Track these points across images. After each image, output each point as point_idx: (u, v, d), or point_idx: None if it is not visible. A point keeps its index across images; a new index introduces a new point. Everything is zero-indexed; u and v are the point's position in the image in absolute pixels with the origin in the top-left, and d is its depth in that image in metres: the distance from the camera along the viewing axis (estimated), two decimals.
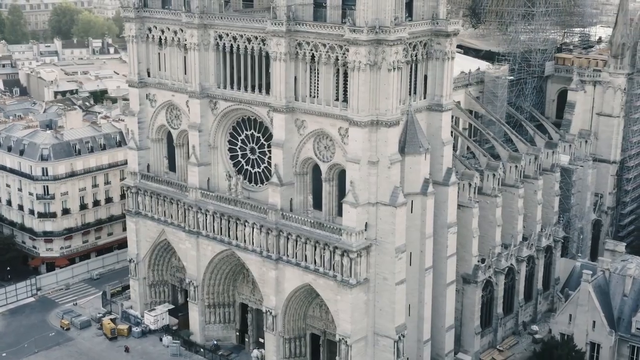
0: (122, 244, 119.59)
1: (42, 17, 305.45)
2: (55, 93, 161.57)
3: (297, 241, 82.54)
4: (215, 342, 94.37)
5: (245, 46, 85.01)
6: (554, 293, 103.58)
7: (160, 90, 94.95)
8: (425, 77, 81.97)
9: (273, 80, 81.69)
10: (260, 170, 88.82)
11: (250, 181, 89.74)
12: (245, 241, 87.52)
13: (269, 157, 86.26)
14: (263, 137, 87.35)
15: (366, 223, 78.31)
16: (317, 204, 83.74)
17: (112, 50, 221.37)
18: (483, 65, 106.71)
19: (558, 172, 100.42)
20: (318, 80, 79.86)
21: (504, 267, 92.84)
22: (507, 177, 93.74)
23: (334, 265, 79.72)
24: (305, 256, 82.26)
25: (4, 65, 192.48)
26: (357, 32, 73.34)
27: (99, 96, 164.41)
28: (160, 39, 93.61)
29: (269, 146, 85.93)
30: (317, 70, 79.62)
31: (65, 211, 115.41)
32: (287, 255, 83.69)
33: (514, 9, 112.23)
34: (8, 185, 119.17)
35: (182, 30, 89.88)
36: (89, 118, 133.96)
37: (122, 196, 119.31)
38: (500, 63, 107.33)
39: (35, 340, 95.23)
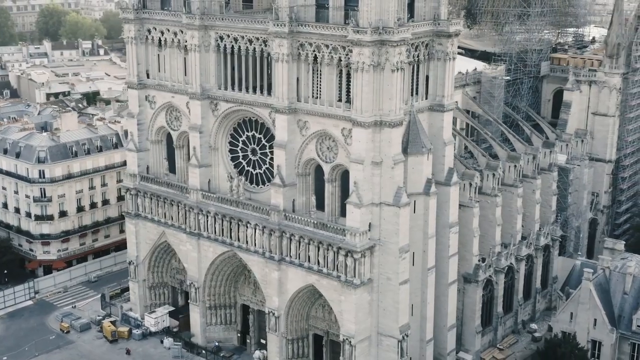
0: (119, 246, 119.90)
1: (29, 18, 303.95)
2: (48, 95, 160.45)
3: (300, 242, 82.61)
4: (216, 344, 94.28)
5: (247, 47, 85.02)
6: (552, 291, 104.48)
7: (160, 91, 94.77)
8: (427, 78, 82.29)
9: (275, 82, 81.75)
10: (261, 172, 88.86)
11: (251, 182, 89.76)
12: (247, 242, 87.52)
13: (271, 158, 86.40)
14: (264, 138, 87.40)
15: (370, 223, 78.51)
16: (320, 205, 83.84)
17: (102, 51, 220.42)
18: (480, 65, 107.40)
19: (556, 172, 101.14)
20: (320, 81, 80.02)
21: (503, 266, 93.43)
22: (506, 176, 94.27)
23: (337, 265, 79.86)
24: (309, 257, 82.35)
25: None
26: (360, 33, 73.53)
27: (92, 98, 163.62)
28: (159, 40, 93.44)
29: (270, 147, 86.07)
30: (320, 71, 79.76)
31: (62, 214, 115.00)
32: (290, 256, 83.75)
33: (510, 9, 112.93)
34: (4, 188, 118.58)
35: (182, 32, 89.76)
36: (83, 120, 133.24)
37: (119, 198, 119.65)
38: (496, 63, 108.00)
39: (36, 343, 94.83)
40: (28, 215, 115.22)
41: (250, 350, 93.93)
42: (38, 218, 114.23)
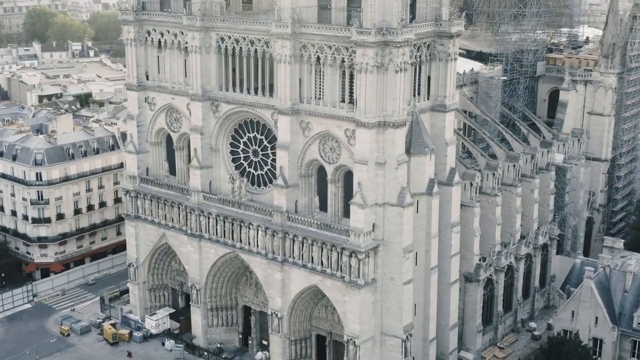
0: (116, 248, 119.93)
1: (16, 20, 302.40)
2: (40, 97, 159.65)
3: (303, 243, 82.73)
4: (218, 345, 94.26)
5: (248, 48, 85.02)
6: (550, 290, 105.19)
7: (160, 93, 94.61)
8: (429, 78, 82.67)
9: (278, 83, 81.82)
10: (263, 173, 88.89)
11: (252, 183, 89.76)
12: (249, 243, 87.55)
13: (272, 159, 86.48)
14: (266, 140, 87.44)
15: (373, 224, 78.76)
16: (322, 206, 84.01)
17: (92, 53, 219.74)
18: (477, 66, 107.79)
19: (553, 171, 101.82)
20: (323, 82, 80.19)
21: (503, 265, 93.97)
22: (505, 176, 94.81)
23: (341, 266, 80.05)
24: (312, 257, 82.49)
25: None
26: (364, 34, 73.79)
27: (84, 100, 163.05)
28: (159, 41, 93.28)
29: (272, 148, 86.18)
30: (322, 72, 79.94)
31: (60, 216, 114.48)
32: (293, 257, 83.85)
33: (505, 9, 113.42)
34: (0, 191, 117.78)
35: (182, 33, 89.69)
36: (76, 122, 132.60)
37: (116, 200, 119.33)
38: (493, 64, 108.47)
39: (37, 347, 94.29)
40: (25, 218, 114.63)
41: (252, 352, 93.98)
42: (35, 221, 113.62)
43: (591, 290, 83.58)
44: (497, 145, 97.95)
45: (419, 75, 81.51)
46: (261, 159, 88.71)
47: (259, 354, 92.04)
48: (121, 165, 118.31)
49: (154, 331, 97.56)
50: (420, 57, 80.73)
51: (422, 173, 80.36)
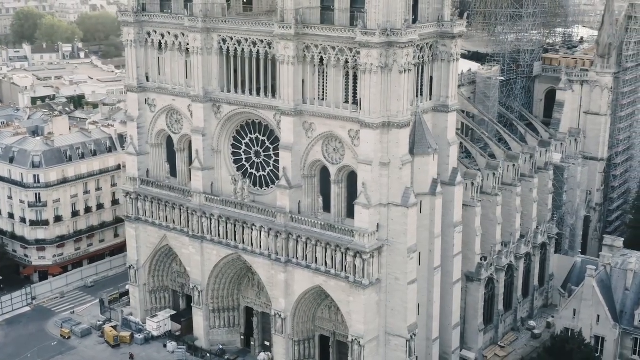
0: (114, 250, 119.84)
1: (3, 21, 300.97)
2: (34, 99, 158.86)
3: (307, 243, 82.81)
4: (220, 347, 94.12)
5: (250, 50, 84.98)
6: (549, 289, 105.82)
7: (160, 94, 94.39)
8: (431, 79, 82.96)
9: (280, 84, 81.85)
10: (265, 174, 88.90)
11: (255, 184, 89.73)
12: (252, 245, 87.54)
13: (275, 160, 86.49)
14: (268, 141, 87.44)
15: (378, 224, 78.96)
16: (326, 206, 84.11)
17: (82, 54, 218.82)
18: (474, 66, 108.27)
19: (551, 170, 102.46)
20: (326, 83, 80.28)
21: (504, 264, 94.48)
22: (505, 176, 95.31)
23: (345, 266, 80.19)
24: (316, 258, 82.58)
25: None
26: (369, 35, 73.97)
27: (77, 101, 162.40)
28: (160, 43, 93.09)
29: (274, 149, 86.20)
30: (326, 72, 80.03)
31: (58, 218, 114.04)
32: (297, 258, 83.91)
33: (502, 10, 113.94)
34: None
35: (183, 34, 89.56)
36: (71, 123, 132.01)
37: (114, 202, 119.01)
38: (491, 64, 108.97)
39: (38, 350, 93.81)
40: (22, 220, 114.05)
41: (255, 353, 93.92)
42: (33, 223, 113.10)
43: (593, 289, 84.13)
44: (496, 145, 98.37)
45: (422, 76, 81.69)
46: (263, 160, 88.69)
47: (262, 355, 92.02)
48: (119, 167, 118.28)
49: (155, 333, 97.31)
50: (422, 57, 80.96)
51: (425, 173, 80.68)
